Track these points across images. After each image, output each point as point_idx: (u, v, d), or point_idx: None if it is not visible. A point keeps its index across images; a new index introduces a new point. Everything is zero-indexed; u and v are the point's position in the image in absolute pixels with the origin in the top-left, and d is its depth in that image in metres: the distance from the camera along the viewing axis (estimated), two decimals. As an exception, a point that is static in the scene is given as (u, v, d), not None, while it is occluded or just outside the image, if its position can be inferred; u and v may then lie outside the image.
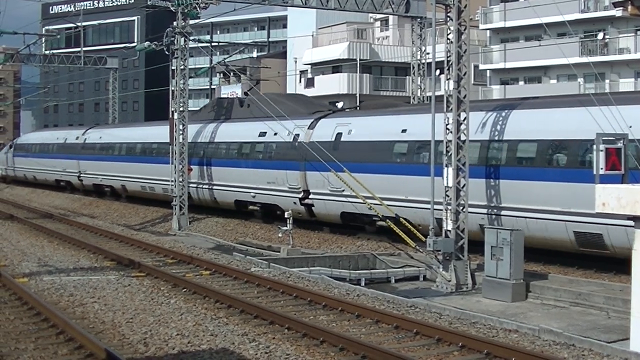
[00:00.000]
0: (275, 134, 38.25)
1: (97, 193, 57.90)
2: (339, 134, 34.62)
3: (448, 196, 24.75)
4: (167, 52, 42.69)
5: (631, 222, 15.87)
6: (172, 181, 40.74)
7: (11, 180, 75.46)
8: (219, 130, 44.16)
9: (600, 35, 55.51)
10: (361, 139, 33.41)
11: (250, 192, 39.65)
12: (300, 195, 36.17)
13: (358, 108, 45.33)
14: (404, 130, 31.29)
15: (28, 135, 78.98)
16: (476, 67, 61.73)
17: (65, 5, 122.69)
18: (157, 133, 49.15)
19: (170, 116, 42.54)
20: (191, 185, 42.81)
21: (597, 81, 54.20)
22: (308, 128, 36.51)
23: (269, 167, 38.26)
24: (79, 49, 64.82)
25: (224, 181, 41.88)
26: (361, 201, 31.75)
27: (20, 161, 72.43)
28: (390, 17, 68.41)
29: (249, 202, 40.57)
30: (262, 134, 39.40)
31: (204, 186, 43.58)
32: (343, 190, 33.19)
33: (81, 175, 59.71)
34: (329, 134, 35.18)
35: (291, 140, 36.85)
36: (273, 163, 38.03)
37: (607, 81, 54.91)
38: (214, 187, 42.97)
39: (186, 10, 39.42)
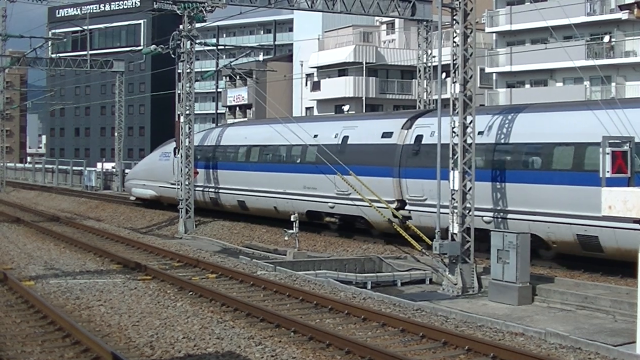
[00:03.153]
0: (357, 135, 33.52)
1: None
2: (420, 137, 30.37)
3: (454, 199, 24.73)
4: (173, 56, 42.80)
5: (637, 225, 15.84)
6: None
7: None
8: (282, 132, 37.77)
9: (606, 38, 55.46)
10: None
11: (327, 202, 34.60)
12: (393, 206, 30.83)
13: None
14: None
15: (211, 132, 47.55)
16: (482, 70, 61.73)
17: (72, 9, 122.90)
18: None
19: (177, 119, 42.55)
20: (242, 192, 39.85)
21: (603, 84, 54.13)
22: (402, 128, 31.45)
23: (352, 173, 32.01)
24: (85, 53, 65.12)
25: (290, 189, 36.60)
26: (490, 216, 27.21)
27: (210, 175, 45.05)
28: (396, 20, 68.44)
29: (324, 213, 35.12)
30: (345, 137, 34.10)
31: (260, 194, 38.60)
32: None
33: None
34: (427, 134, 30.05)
35: (379, 141, 31.98)
36: (357, 168, 32.04)
37: (613, 84, 54.85)
38: (276, 196, 37.74)
39: (192, 14, 39.48)
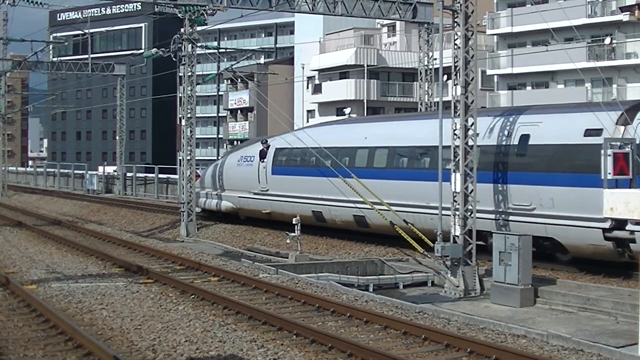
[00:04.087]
0: (542, 133, 26.14)
1: None
2: None
3: (456, 201, 24.72)
4: (174, 59, 42.83)
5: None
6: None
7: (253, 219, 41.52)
8: (401, 131, 32.55)
9: (607, 40, 55.47)
10: None
11: (494, 219, 26.80)
12: (606, 225, 23.52)
13: None
14: None
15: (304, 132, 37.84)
16: (483, 72, 61.77)
17: (73, 13, 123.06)
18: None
19: (178, 122, 42.58)
20: (358, 204, 32.21)
21: (604, 86, 54.14)
22: (617, 123, 24.20)
23: (530, 181, 25.80)
24: (86, 56, 65.07)
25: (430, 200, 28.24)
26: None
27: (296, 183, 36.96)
28: (398, 22, 68.45)
29: (489, 234, 25.72)
30: (524, 137, 26.58)
31: (381, 206, 30.67)
32: None
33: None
34: None
35: (581, 141, 24.88)
36: (545, 176, 25.46)
37: (614, 86, 54.86)
38: (408, 210, 30.11)
39: (193, 17, 39.51)
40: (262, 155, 38.91)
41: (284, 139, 38.43)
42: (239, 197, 40.66)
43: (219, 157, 58.08)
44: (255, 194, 39.16)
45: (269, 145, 39.06)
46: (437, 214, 25.06)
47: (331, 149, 34.04)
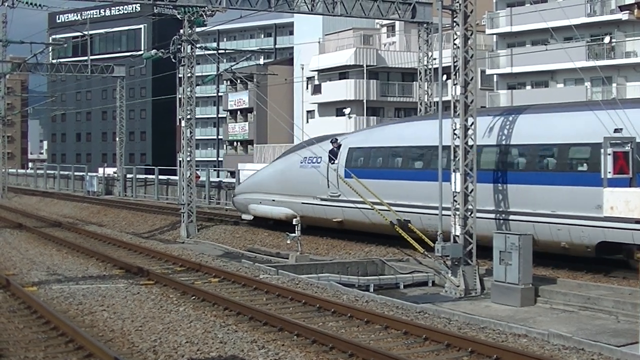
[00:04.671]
0: None
1: None
2: None
3: (456, 201, 24.73)
4: (174, 60, 42.81)
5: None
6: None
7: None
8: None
9: (606, 39, 55.45)
10: None
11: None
12: None
13: None
14: None
15: (384, 129, 35.82)
16: (483, 72, 61.72)
17: (72, 14, 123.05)
18: None
19: (178, 124, 42.59)
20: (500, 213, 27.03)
21: (604, 85, 54.13)
22: None
23: None
24: (85, 58, 65.06)
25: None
26: None
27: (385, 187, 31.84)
28: (397, 22, 68.42)
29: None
30: None
31: (495, 214, 26.95)
32: None
33: None
34: None
35: None
36: None
37: (614, 85, 54.85)
38: (518, 218, 26.40)
39: (193, 18, 39.52)
40: (332, 156, 34.42)
41: (358, 137, 34.79)
42: (302, 203, 35.97)
43: (219, 158, 56.91)
44: (322, 200, 34.58)
45: (340, 145, 34.70)
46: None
47: (426, 148, 29.76)
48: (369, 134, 33.71)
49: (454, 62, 24.95)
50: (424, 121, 33.77)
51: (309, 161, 36.20)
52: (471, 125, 24.87)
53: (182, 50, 41.06)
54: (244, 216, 40.81)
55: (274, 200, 37.70)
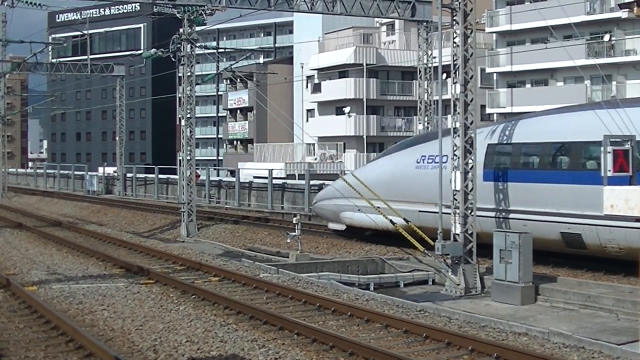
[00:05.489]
0: None
1: None
2: None
3: (456, 200, 24.73)
4: (173, 59, 42.84)
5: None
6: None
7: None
8: None
9: (606, 37, 55.44)
10: None
11: None
12: None
13: None
14: None
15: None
16: (483, 70, 61.69)
17: (72, 14, 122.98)
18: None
19: (178, 123, 42.55)
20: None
21: (604, 83, 54.13)
22: None
23: None
24: (85, 57, 65.10)
25: None
26: None
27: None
28: (397, 21, 68.39)
29: None
30: None
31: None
32: None
33: None
34: None
35: None
36: None
37: (614, 83, 54.84)
38: None
39: (192, 17, 39.51)
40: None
41: (499, 132, 28.06)
42: (419, 211, 29.79)
43: (219, 157, 55.87)
44: (448, 207, 25.41)
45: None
46: None
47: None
48: (514, 127, 27.46)
49: (454, 61, 24.95)
50: (588, 111, 26.17)
51: (429, 160, 30.03)
52: (471, 124, 24.85)
53: (182, 49, 41.05)
54: (332, 225, 35.48)
55: (378, 208, 30.40)
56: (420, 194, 29.70)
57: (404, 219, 29.10)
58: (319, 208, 36.64)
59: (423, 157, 30.42)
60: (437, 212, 25.23)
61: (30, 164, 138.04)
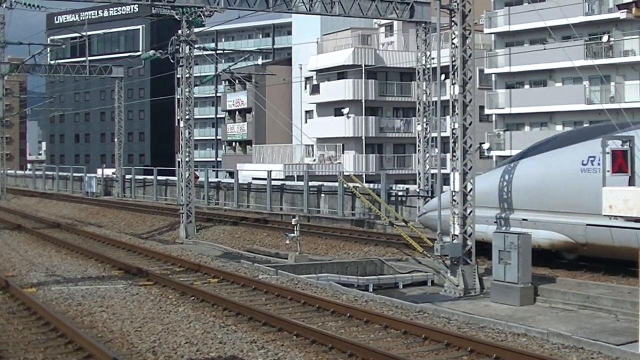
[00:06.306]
0: None
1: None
2: None
3: (455, 201, 24.73)
4: (172, 61, 42.78)
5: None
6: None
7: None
8: None
9: (605, 38, 55.46)
10: None
11: None
12: None
13: None
14: None
15: None
16: (481, 71, 61.71)
17: (70, 15, 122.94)
18: None
19: (177, 124, 42.54)
20: None
21: (602, 84, 54.16)
22: None
23: None
24: (84, 59, 65.08)
25: None
26: None
27: None
28: (395, 22, 68.43)
29: None
30: None
31: None
32: None
33: None
34: None
35: None
36: None
37: (612, 84, 54.88)
38: None
39: (191, 19, 39.52)
40: None
41: None
42: (586, 225, 24.68)
43: (217, 158, 55.77)
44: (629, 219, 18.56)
45: None
46: None
47: None
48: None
49: (452, 62, 24.97)
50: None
51: (600, 162, 22.35)
52: (470, 125, 24.86)
53: (181, 51, 41.05)
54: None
55: (524, 220, 26.22)
56: (591, 204, 23.33)
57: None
58: (430, 219, 29.75)
59: (592, 158, 24.58)
60: (614, 227, 22.19)
61: (29, 165, 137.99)
